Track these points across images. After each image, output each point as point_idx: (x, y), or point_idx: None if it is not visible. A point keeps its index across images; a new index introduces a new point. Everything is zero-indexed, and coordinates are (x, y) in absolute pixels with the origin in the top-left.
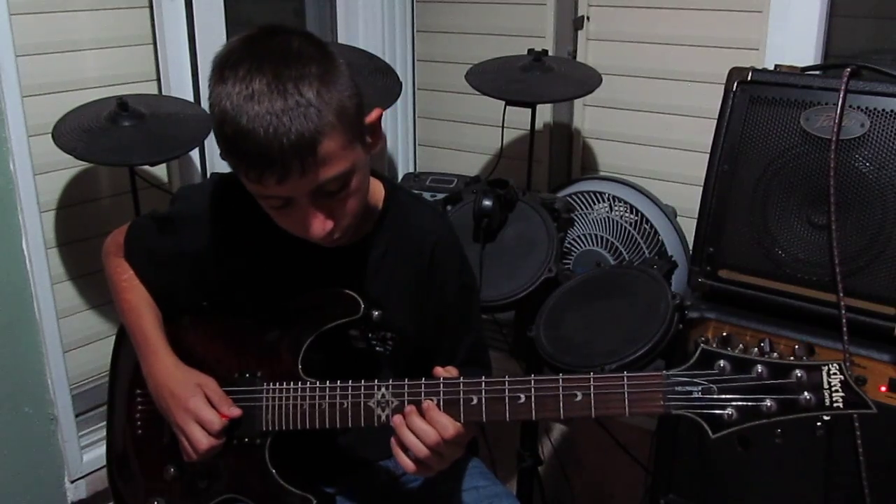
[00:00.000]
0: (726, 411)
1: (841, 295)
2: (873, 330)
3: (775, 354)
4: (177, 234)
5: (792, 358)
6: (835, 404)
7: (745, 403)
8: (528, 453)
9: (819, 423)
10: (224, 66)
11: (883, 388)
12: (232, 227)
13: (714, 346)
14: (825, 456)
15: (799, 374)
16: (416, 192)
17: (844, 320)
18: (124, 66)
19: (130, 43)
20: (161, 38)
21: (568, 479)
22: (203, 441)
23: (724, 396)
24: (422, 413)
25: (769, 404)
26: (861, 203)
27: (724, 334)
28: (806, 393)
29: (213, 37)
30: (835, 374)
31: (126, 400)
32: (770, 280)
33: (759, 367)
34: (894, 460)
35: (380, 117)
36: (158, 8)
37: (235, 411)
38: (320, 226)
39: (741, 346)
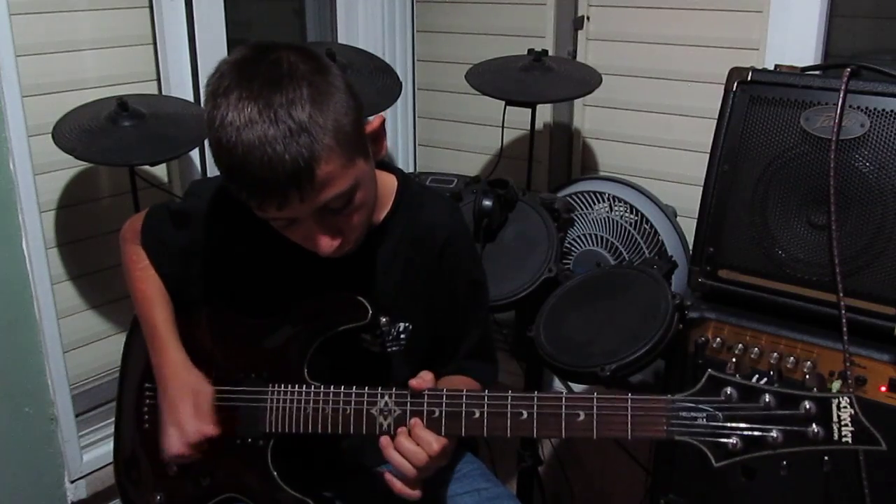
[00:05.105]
0: (731, 440)
1: (841, 295)
2: (873, 330)
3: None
4: (188, 230)
5: (802, 388)
6: (843, 439)
7: (750, 433)
8: (528, 453)
9: (826, 458)
10: (216, 94)
11: (883, 388)
12: (241, 226)
13: (724, 366)
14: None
15: (808, 406)
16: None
17: (844, 320)
18: (124, 66)
19: (130, 43)
20: (161, 38)
21: (568, 479)
22: (175, 447)
23: (729, 425)
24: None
25: (775, 435)
26: (861, 203)
27: (734, 360)
28: (814, 425)
29: (213, 37)
30: (845, 407)
31: (135, 393)
32: (770, 280)
33: (767, 397)
34: (894, 461)
35: (382, 124)
36: (158, 8)
37: (209, 430)
38: (327, 243)
39: (740, 345)
